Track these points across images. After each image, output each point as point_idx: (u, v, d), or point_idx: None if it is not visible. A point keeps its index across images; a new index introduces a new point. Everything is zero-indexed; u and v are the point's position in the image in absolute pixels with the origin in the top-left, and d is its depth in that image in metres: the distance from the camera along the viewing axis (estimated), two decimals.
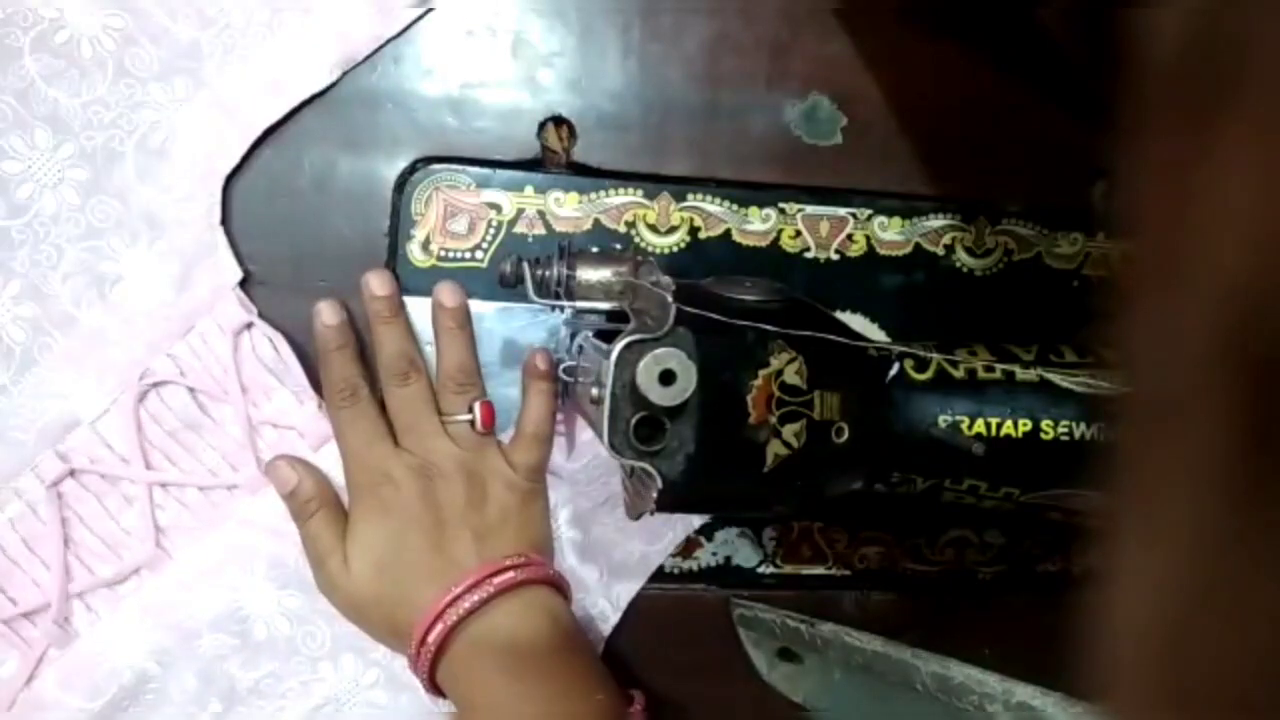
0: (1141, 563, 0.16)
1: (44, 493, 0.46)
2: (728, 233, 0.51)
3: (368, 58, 0.48)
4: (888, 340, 0.51)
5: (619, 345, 0.37)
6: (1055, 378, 0.43)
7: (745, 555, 0.54)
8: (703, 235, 0.51)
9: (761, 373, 0.38)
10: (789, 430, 0.39)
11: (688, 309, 0.37)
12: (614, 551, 0.52)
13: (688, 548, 0.53)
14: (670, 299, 0.37)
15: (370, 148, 0.49)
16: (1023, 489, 0.44)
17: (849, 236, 0.52)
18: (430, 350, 0.48)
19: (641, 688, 0.47)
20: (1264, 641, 0.14)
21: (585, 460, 0.51)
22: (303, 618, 0.49)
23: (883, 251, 0.52)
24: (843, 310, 0.52)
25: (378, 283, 0.47)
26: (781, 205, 0.51)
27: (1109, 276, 0.54)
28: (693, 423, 0.38)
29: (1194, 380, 0.15)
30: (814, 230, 0.52)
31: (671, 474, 0.38)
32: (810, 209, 0.52)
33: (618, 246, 0.49)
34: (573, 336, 0.48)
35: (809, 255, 0.52)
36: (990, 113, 0.53)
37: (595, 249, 0.45)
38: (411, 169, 0.49)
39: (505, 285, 0.45)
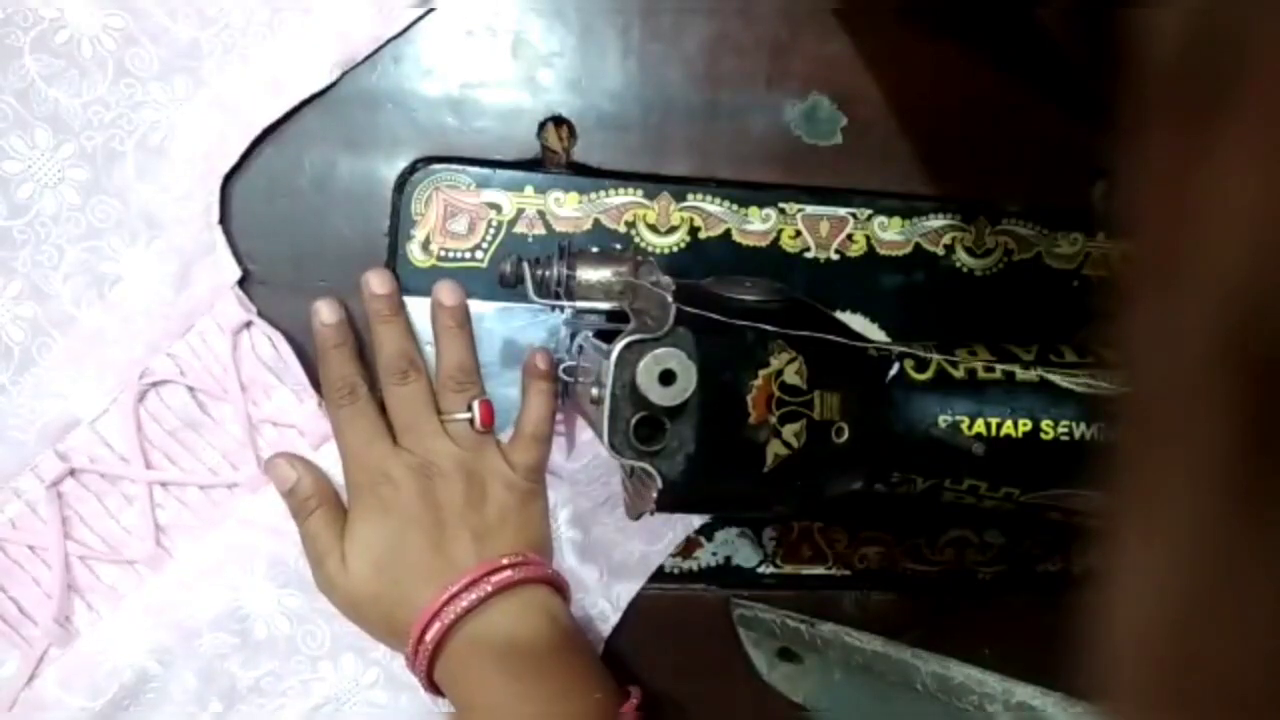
0: (1141, 563, 0.16)
1: (44, 492, 0.46)
2: (728, 233, 0.51)
3: (368, 58, 0.48)
4: (888, 340, 0.51)
5: (619, 345, 0.37)
6: (1055, 378, 0.43)
7: (745, 555, 0.54)
8: (703, 235, 0.51)
9: (761, 373, 0.38)
10: (789, 430, 0.39)
11: (688, 309, 0.37)
12: (614, 551, 0.52)
13: (688, 548, 0.53)
14: (670, 299, 0.37)
15: (370, 148, 0.49)
16: (1023, 489, 0.44)
17: (849, 236, 0.52)
18: (430, 350, 0.48)
19: (642, 687, 0.47)
20: (1264, 641, 0.14)
21: (585, 460, 0.51)
22: (303, 617, 0.49)
23: (883, 251, 0.52)
24: (843, 310, 0.52)
25: (377, 282, 0.47)
26: (781, 205, 0.51)
27: (1109, 276, 0.54)
28: (693, 423, 0.38)
29: (1194, 380, 0.15)
30: (814, 230, 0.52)
31: (671, 474, 0.38)
32: (810, 209, 0.52)
33: (618, 246, 0.49)
34: (573, 336, 0.48)
35: (809, 255, 0.52)
36: (990, 113, 0.53)
37: (595, 249, 0.45)
38: (411, 169, 0.49)
39: (505, 285, 0.45)
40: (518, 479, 0.47)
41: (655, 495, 0.38)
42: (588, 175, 0.50)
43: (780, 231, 0.52)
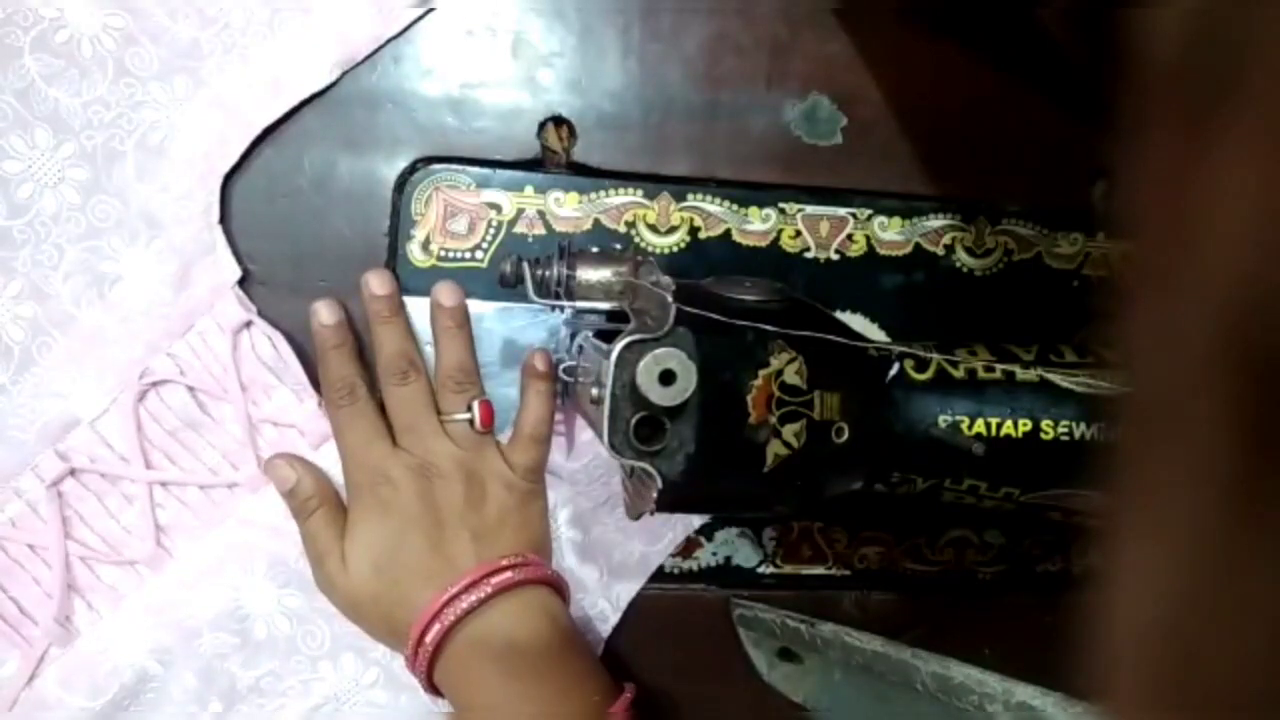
0: (1141, 563, 0.16)
1: (44, 492, 0.46)
2: (728, 233, 0.51)
3: (368, 58, 0.48)
4: (888, 340, 0.51)
5: (619, 345, 0.37)
6: (1055, 378, 0.43)
7: (745, 555, 0.54)
8: (703, 235, 0.51)
9: (761, 373, 0.38)
10: (789, 430, 0.39)
11: (688, 309, 0.37)
12: (614, 552, 0.52)
13: (688, 548, 0.53)
14: (670, 299, 0.37)
15: (370, 148, 0.49)
16: (1023, 489, 0.44)
17: (849, 236, 0.52)
18: (430, 350, 0.48)
19: (641, 687, 0.47)
20: (1264, 641, 0.14)
21: (585, 460, 0.51)
22: (303, 617, 0.49)
23: (883, 251, 0.52)
24: (843, 310, 0.52)
25: (377, 282, 0.47)
26: (781, 205, 0.51)
27: (1109, 276, 0.54)
28: (693, 423, 0.38)
29: (1194, 380, 0.15)
30: (814, 230, 0.52)
31: (671, 474, 0.38)
32: (810, 209, 0.52)
33: (618, 246, 0.49)
34: (573, 336, 0.48)
35: (809, 255, 0.52)
36: (990, 113, 0.53)
37: (595, 249, 0.45)
38: (411, 169, 0.49)
39: (505, 285, 0.45)
40: (517, 479, 0.47)
41: (655, 495, 0.38)
42: (588, 175, 0.50)
43: (780, 231, 0.52)
